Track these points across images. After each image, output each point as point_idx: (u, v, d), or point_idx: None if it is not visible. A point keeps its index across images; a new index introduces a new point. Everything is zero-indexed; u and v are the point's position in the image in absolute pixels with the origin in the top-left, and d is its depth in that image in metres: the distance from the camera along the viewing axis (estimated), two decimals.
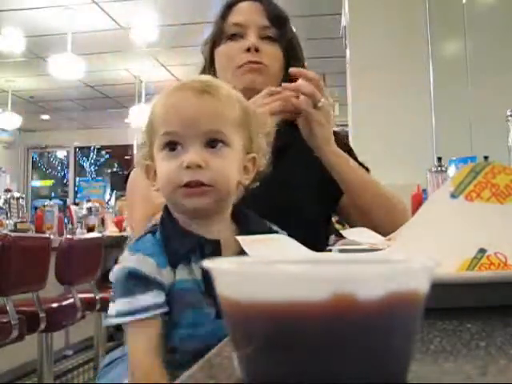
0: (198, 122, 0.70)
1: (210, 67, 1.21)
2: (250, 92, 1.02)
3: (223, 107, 0.73)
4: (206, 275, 0.62)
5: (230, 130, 0.73)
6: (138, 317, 0.66)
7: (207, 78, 0.79)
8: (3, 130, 7.93)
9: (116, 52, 5.95)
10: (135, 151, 1.12)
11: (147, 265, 0.69)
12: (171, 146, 0.71)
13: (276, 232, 0.78)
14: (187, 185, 0.69)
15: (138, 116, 6.56)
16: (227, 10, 1.21)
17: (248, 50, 1.13)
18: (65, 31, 5.12)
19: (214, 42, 1.21)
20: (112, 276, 0.71)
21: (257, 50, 1.13)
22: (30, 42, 5.53)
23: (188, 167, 0.69)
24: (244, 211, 0.78)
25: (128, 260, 0.70)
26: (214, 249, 0.70)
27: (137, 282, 0.68)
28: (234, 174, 0.73)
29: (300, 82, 1.05)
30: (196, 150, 0.70)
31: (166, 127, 0.72)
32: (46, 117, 8.76)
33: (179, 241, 0.71)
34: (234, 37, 1.17)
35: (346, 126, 3.17)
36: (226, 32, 1.18)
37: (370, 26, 3.09)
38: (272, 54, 1.16)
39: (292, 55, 1.21)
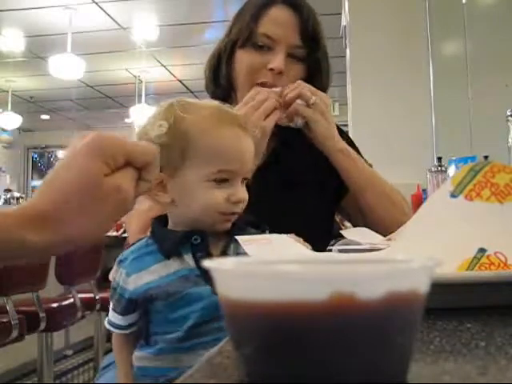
0: (249, 163, 0.76)
1: (228, 60, 1.15)
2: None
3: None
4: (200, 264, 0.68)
5: None
6: (117, 331, 0.78)
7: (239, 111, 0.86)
8: (3, 129, 7.93)
9: (116, 52, 5.95)
10: None
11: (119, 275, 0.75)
12: (221, 179, 0.75)
13: (261, 223, 0.80)
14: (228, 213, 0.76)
15: (139, 116, 6.57)
16: (262, 10, 1.12)
17: (272, 69, 1.09)
18: (65, 31, 5.13)
19: (237, 40, 1.14)
20: (111, 276, 0.76)
21: (280, 73, 1.09)
22: (30, 42, 5.54)
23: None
24: None
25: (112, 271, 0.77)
26: (202, 238, 0.74)
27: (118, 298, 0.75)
28: None
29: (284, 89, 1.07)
30: (241, 187, 0.76)
31: (223, 165, 0.74)
32: (45, 117, 8.76)
33: (169, 236, 0.76)
34: (260, 48, 1.11)
35: (346, 125, 3.16)
36: (254, 39, 1.11)
37: (369, 26, 3.09)
38: (294, 77, 1.11)
39: (315, 77, 1.16)
